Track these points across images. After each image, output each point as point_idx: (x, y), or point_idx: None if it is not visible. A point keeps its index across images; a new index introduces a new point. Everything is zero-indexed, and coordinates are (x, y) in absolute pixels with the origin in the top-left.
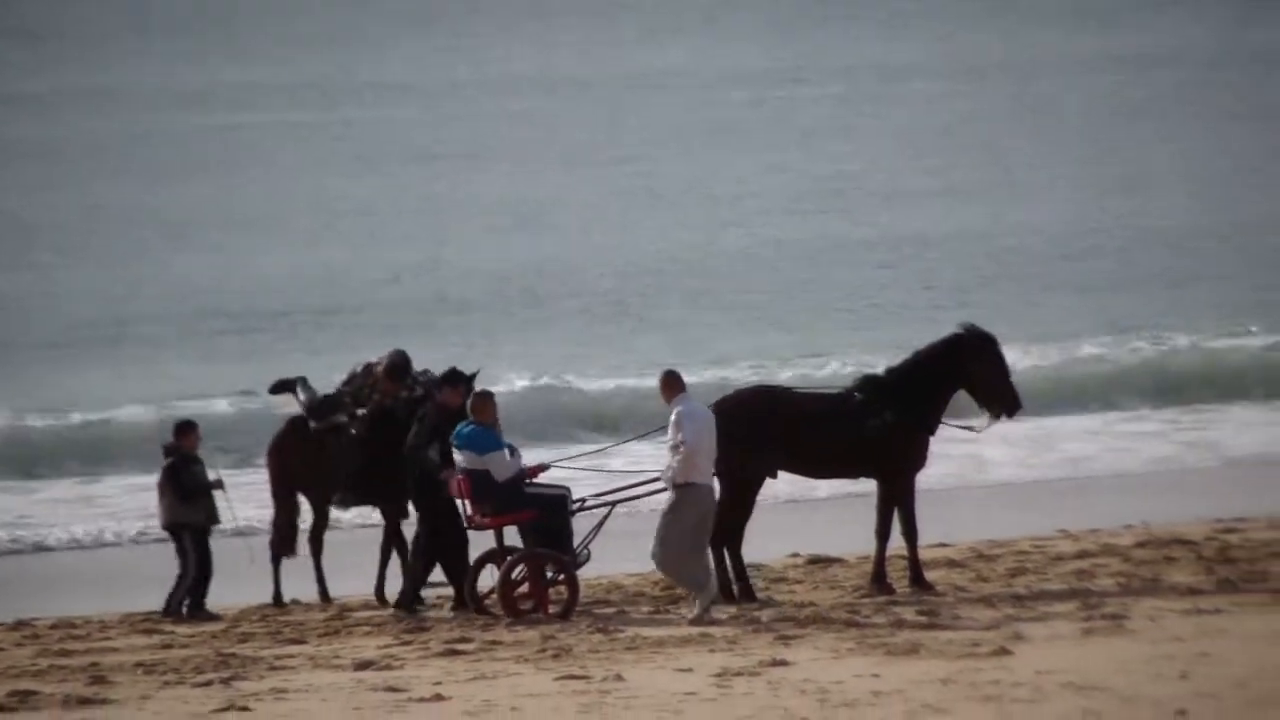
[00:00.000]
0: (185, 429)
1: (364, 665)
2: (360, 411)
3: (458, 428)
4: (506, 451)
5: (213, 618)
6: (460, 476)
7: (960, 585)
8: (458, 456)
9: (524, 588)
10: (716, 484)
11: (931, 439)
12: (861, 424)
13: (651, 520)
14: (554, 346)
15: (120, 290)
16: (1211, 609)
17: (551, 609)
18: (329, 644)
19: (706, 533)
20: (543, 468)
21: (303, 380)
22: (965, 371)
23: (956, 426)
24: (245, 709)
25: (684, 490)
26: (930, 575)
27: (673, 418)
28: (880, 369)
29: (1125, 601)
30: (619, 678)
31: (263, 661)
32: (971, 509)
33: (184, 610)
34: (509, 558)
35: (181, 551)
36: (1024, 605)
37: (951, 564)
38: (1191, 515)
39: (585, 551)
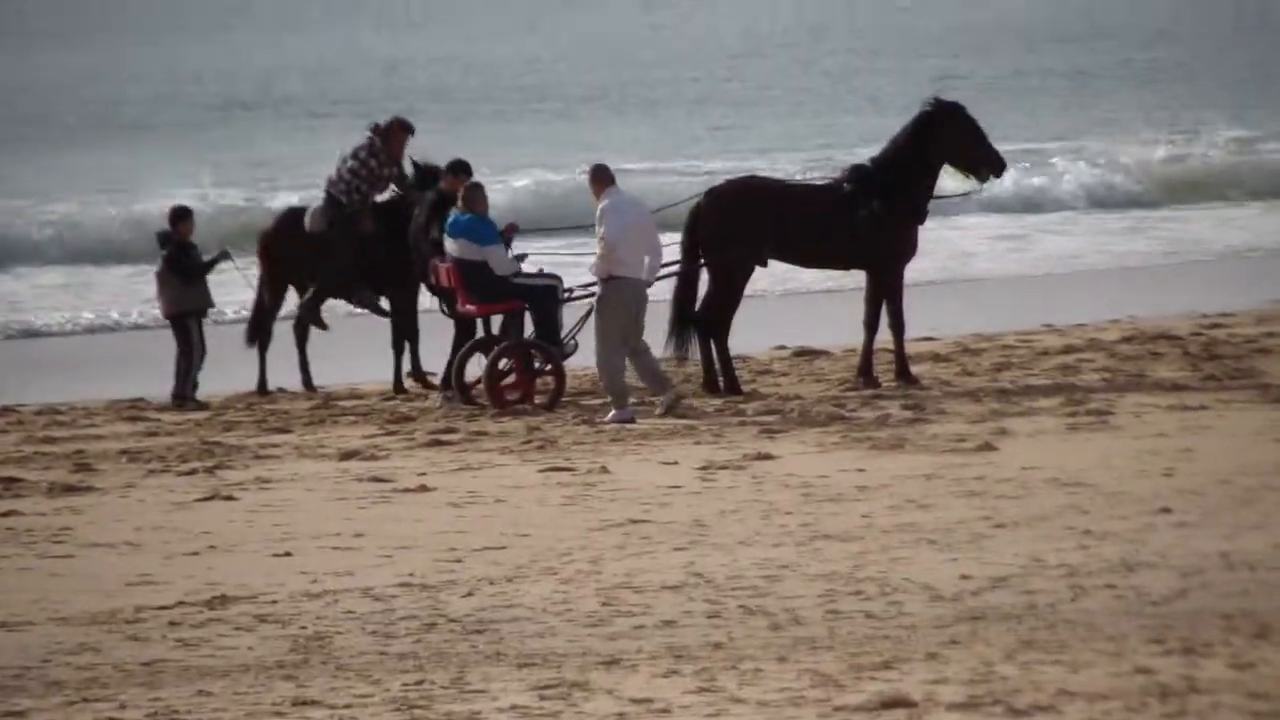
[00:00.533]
0: (180, 215)
1: (349, 455)
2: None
3: (453, 216)
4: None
5: (201, 406)
6: (449, 265)
7: (946, 380)
8: (450, 244)
9: (510, 378)
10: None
11: (920, 228)
12: (850, 214)
13: (650, 310)
14: (541, 143)
15: (114, 76)
16: (1196, 405)
17: (538, 399)
18: (314, 433)
19: (639, 329)
20: (513, 227)
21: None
22: (942, 145)
23: (955, 196)
24: (230, 498)
25: (608, 285)
26: (916, 369)
27: (597, 212)
28: (866, 160)
29: (1110, 397)
30: (604, 470)
31: (247, 450)
32: (958, 303)
33: (194, 395)
34: (496, 348)
35: (185, 339)
36: (1009, 400)
37: (937, 358)
38: (1177, 310)
39: (572, 342)
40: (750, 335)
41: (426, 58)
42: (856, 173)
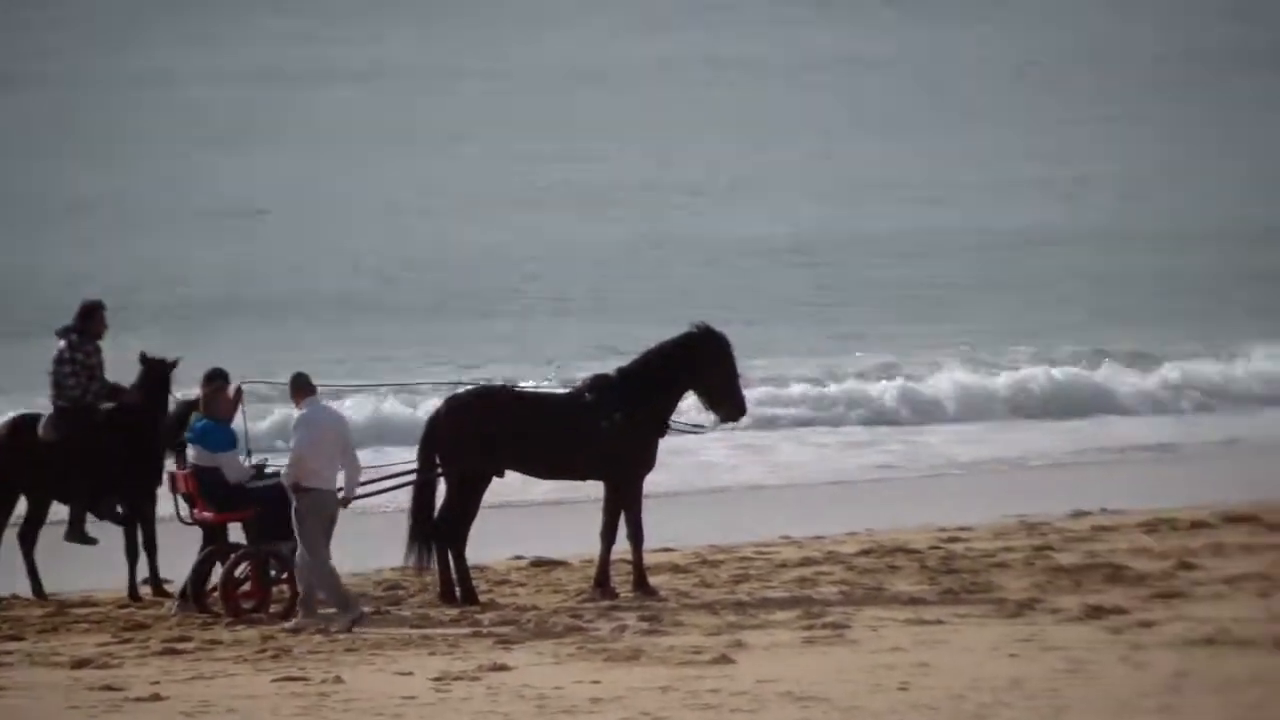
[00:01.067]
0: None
1: (82, 663)
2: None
3: (193, 421)
4: (239, 453)
5: None
6: (185, 472)
7: (684, 590)
8: (190, 451)
9: (246, 586)
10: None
11: (660, 441)
12: (591, 424)
13: (385, 520)
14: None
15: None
16: (933, 619)
17: (274, 608)
18: (46, 640)
19: (325, 541)
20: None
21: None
22: (696, 372)
23: (684, 428)
24: None
25: (302, 497)
26: (654, 580)
27: (293, 423)
28: (611, 370)
29: (847, 610)
30: (338, 679)
31: None
32: (697, 513)
33: None
34: (232, 555)
35: None
36: (746, 612)
37: (676, 569)
38: (916, 523)
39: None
40: (489, 545)
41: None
42: (598, 382)
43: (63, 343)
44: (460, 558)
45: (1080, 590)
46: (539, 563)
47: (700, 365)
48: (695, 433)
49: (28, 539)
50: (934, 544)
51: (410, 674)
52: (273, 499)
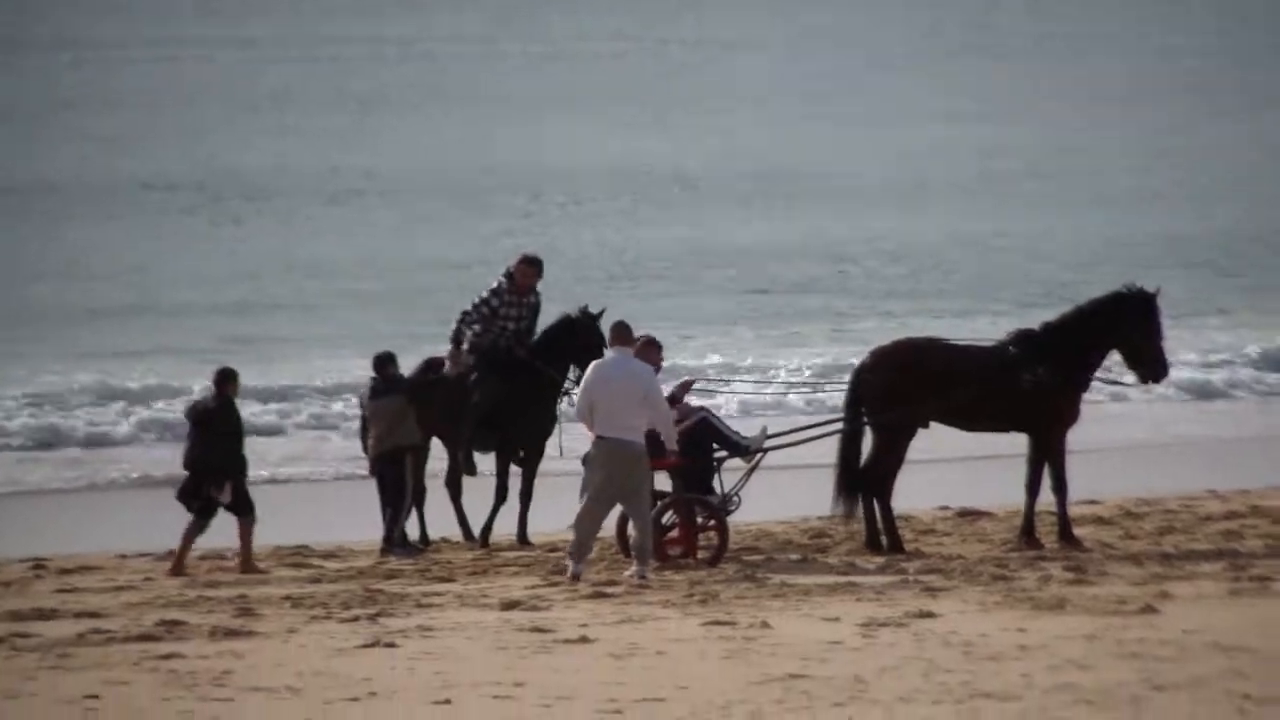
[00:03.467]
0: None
1: (511, 605)
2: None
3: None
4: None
5: (413, 550)
6: None
7: (1108, 542)
8: None
9: (673, 533)
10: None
11: (1084, 395)
12: (1015, 377)
13: (805, 471)
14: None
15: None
16: None
17: (700, 555)
18: (476, 583)
19: (610, 495)
20: (689, 383)
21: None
22: (1121, 332)
23: (1106, 382)
24: (391, 645)
25: (594, 445)
26: (1078, 532)
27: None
28: (1037, 325)
29: (1273, 564)
30: (765, 625)
31: (410, 598)
32: (1121, 467)
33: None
34: (659, 503)
35: (396, 481)
36: (1171, 564)
37: (1100, 521)
38: None
39: (736, 498)
40: (915, 496)
41: None
42: (1022, 335)
43: (496, 283)
44: (886, 508)
45: None
46: (964, 513)
47: (1125, 324)
48: (1117, 388)
49: (454, 484)
50: None
51: (836, 620)
52: (697, 447)
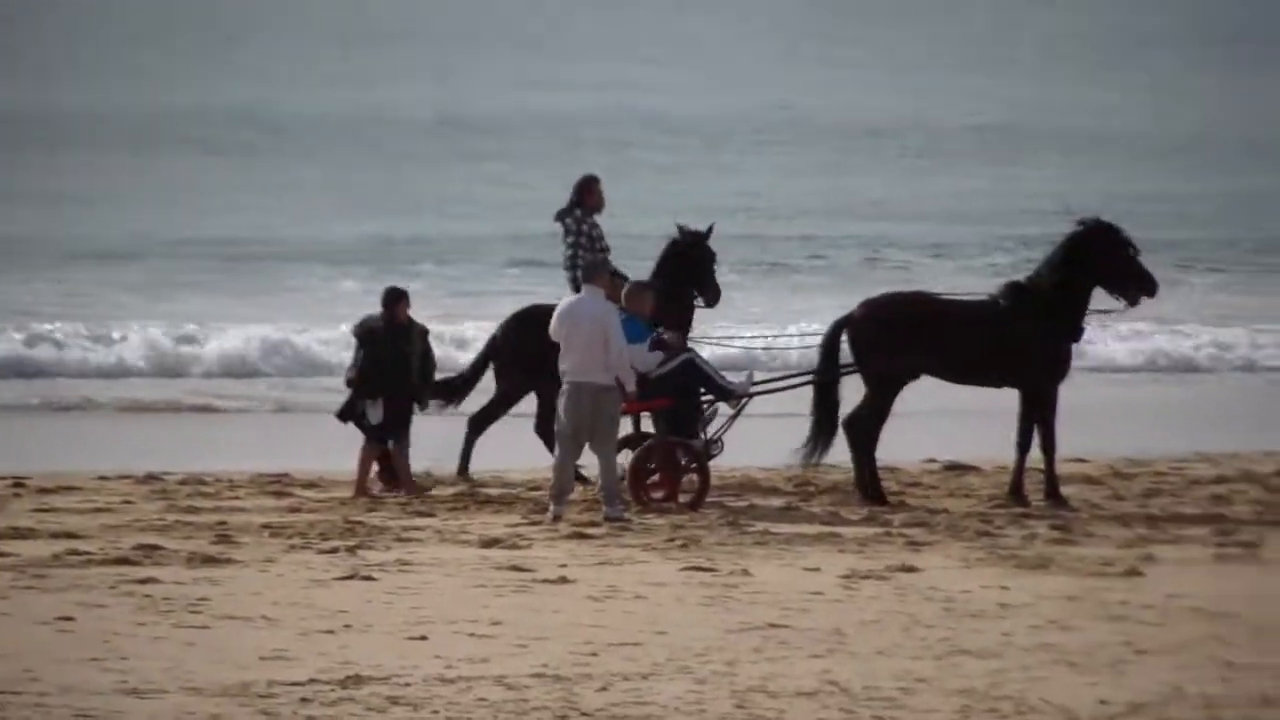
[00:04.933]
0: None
1: (491, 543)
2: None
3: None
4: (648, 344)
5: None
6: None
7: (1095, 502)
8: None
9: (655, 476)
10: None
11: (1075, 347)
12: (1005, 330)
13: (787, 419)
14: None
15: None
16: None
17: (682, 498)
18: (457, 519)
19: (593, 432)
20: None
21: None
22: (1093, 266)
23: (1098, 314)
24: (369, 578)
25: (562, 388)
26: (1066, 491)
27: None
28: (1022, 277)
29: (1261, 530)
30: (745, 572)
31: (389, 532)
32: (1111, 426)
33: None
34: (641, 445)
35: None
36: (1158, 527)
37: (1088, 480)
38: None
39: (719, 442)
40: (902, 448)
41: None
42: (1012, 289)
43: (567, 221)
44: (870, 458)
45: None
46: (951, 467)
47: (1097, 259)
48: (1109, 316)
49: (480, 424)
50: None
51: (818, 570)
52: (683, 389)
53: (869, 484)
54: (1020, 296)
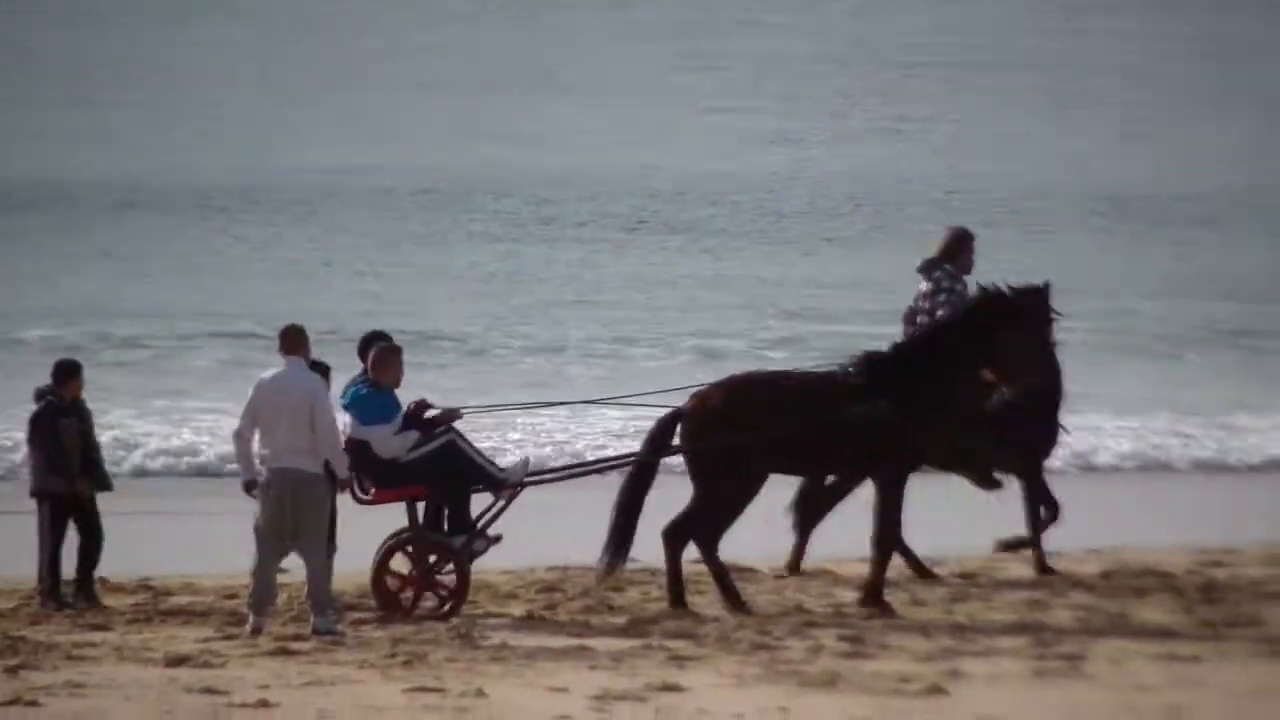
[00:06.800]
0: (67, 371)
1: (178, 661)
2: None
3: (351, 386)
4: (398, 422)
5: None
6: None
7: (892, 609)
8: (343, 418)
9: (403, 578)
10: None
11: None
12: (848, 409)
13: (536, 514)
14: None
15: None
16: (1188, 655)
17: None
18: (138, 633)
19: (299, 526)
20: (453, 416)
21: None
22: (993, 341)
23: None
24: (33, 704)
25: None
26: (850, 595)
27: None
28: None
29: (1084, 640)
30: (480, 693)
31: (58, 649)
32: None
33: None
34: (390, 541)
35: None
36: (965, 636)
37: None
38: (1170, 541)
39: (487, 538)
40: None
41: None
42: (865, 360)
43: (933, 277)
44: (723, 569)
45: None
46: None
47: (997, 330)
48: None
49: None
50: (1191, 568)
51: (565, 690)
52: (444, 475)
53: (676, 588)
54: (874, 369)
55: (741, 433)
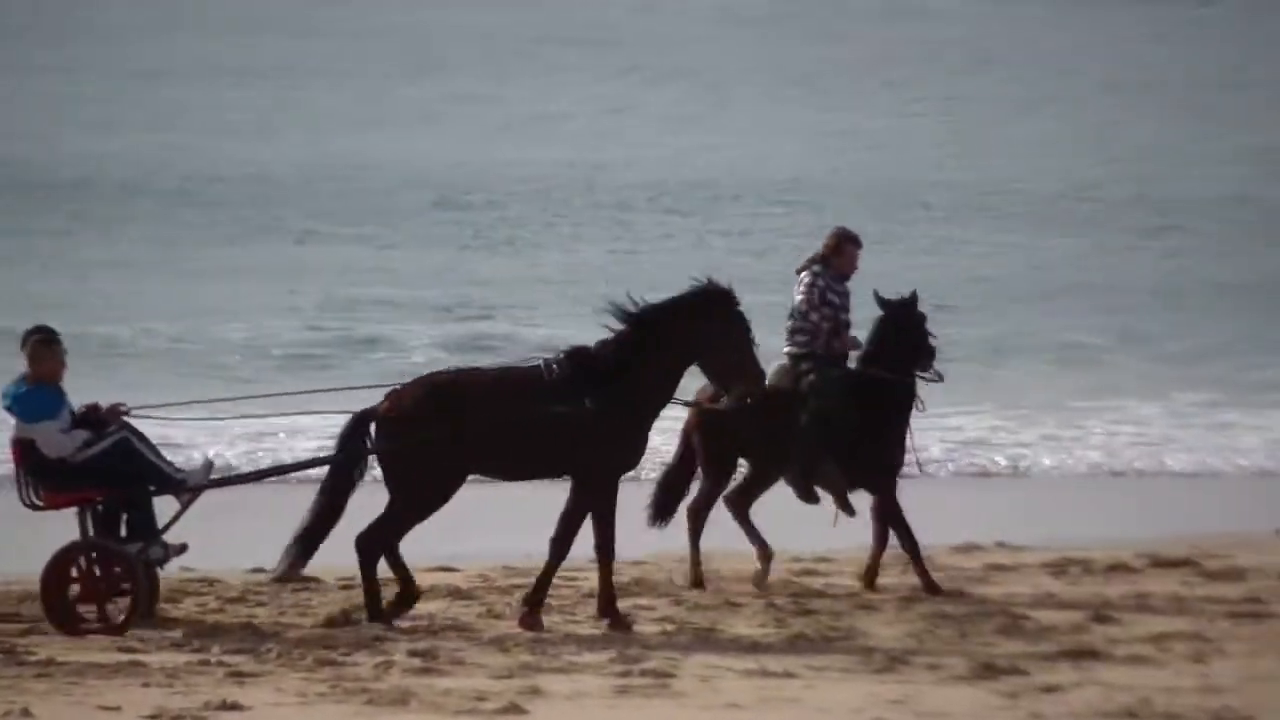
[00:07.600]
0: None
1: None
2: None
3: (11, 386)
4: (65, 419)
5: None
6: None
7: (466, 622)
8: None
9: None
10: None
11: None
12: (549, 407)
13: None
14: None
15: None
16: (781, 671)
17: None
18: None
19: None
20: (117, 412)
21: None
22: (702, 342)
23: (684, 404)
24: None
25: None
26: (429, 607)
27: None
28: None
29: (673, 655)
30: (26, 712)
31: None
32: (474, 518)
33: None
34: (61, 550)
35: None
36: (545, 651)
37: (457, 594)
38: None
39: (166, 546)
40: (221, 554)
41: None
42: (571, 354)
43: (801, 276)
44: (392, 564)
45: (967, 642)
46: (283, 579)
47: (706, 331)
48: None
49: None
50: (784, 577)
51: (118, 709)
52: (119, 477)
53: (372, 600)
54: (579, 364)
55: (430, 431)
